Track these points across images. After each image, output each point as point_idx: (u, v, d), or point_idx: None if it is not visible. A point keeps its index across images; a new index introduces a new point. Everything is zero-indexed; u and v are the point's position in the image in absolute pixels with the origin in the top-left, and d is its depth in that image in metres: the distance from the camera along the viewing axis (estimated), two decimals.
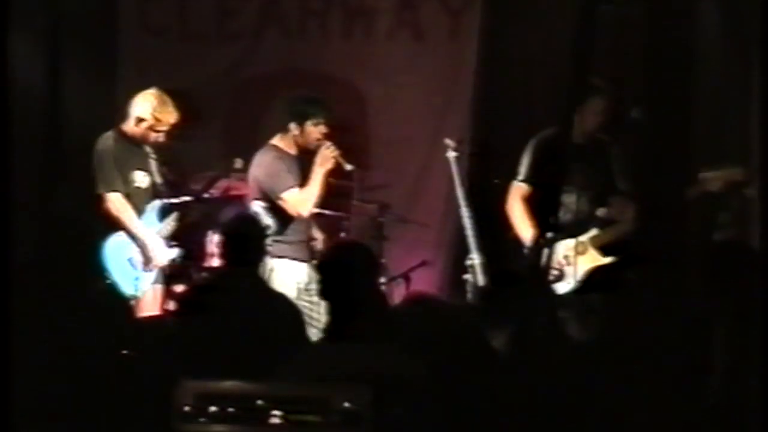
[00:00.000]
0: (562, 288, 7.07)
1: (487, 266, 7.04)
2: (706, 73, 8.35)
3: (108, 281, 7.28)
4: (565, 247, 7.08)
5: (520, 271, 6.21)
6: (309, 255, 7.54)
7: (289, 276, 7.40)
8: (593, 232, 7.19)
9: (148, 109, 7.53)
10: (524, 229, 7.23)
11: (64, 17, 8.65)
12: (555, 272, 6.95)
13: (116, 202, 7.42)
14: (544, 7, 8.56)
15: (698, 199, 7.23)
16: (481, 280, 6.94)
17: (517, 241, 7.25)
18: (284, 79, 8.96)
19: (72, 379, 5.18)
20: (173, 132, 7.62)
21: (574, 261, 7.09)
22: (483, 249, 7.06)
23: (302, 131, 7.54)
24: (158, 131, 7.55)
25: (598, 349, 5.53)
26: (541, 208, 7.13)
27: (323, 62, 8.95)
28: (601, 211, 7.20)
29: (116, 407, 5.14)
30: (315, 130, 7.52)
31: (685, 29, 8.30)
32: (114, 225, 7.41)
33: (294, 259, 7.49)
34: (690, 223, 7.75)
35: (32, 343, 5.20)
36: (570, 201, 7.08)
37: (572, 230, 7.10)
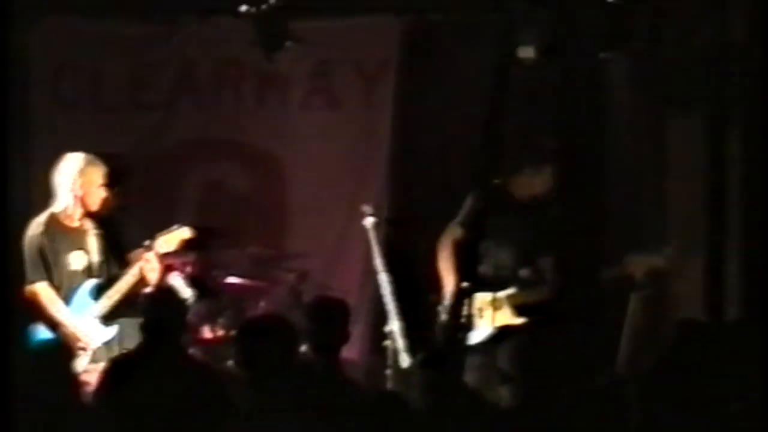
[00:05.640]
0: (472, 338, 7.09)
1: (407, 331, 7.03)
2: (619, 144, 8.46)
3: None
4: (481, 300, 7.10)
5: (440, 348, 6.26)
6: None
7: None
8: (511, 290, 7.19)
9: (72, 174, 7.03)
10: (446, 272, 7.20)
11: None
12: (466, 322, 6.99)
13: (42, 293, 6.97)
14: (457, 72, 8.63)
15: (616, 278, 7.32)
16: (401, 345, 6.93)
17: (436, 304, 7.24)
18: (200, 149, 8.97)
19: None
20: (111, 200, 7.12)
21: (488, 315, 7.11)
22: (402, 314, 7.05)
23: None
24: (89, 202, 7.03)
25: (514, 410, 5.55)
26: (468, 254, 7.14)
27: (239, 131, 8.97)
28: (523, 272, 7.21)
29: None
30: None
31: (595, 91, 8.39)
32: (36, 316, 6.96)
33: None
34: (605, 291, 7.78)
35: None
36: (497, 255, 7.11)
37: (492, 284, 7.12)
